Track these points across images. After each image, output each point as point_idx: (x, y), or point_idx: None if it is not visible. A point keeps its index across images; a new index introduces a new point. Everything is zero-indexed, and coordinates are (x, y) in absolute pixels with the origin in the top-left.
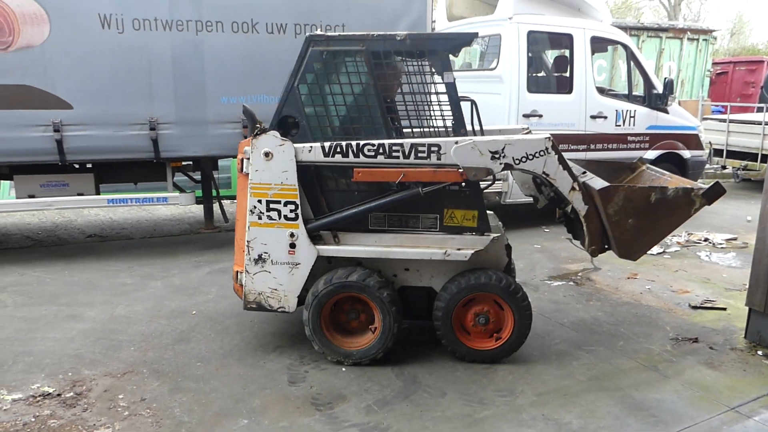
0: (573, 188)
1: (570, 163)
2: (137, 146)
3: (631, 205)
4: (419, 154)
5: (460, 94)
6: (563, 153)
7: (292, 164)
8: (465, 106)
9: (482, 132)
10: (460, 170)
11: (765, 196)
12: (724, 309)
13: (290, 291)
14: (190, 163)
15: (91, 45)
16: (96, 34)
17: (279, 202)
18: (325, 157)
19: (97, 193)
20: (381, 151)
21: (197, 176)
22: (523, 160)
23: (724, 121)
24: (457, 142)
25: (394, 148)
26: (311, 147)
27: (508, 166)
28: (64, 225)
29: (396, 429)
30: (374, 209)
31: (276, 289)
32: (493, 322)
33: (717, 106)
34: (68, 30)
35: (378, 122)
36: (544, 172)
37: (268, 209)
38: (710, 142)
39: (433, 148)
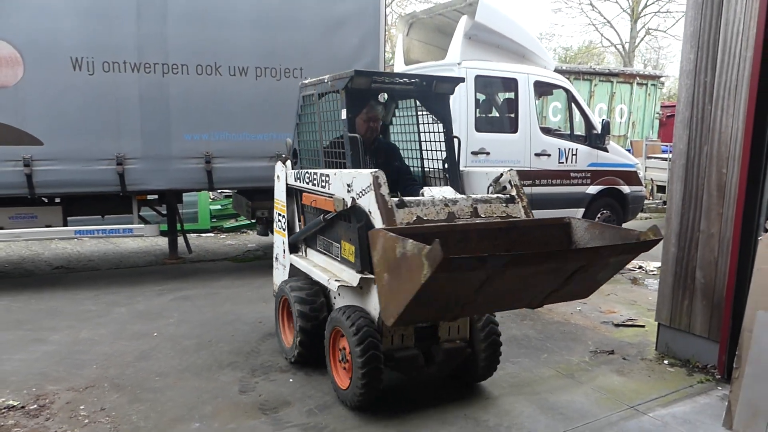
0: None
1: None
2: (104, 180)
3: (385, 255)
4: (322, 183)
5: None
6: None
7: (284, 185)
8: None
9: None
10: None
11: (667, 224)
12: (643, 326)
13: None
14: (156, 197)
15: (62, 86)
16: (68, 75)
17: (280, 215)
18: (294, 181)
19: (65, 225)
20: (312, 178)
21: (164, 210)
22: (361, 194)
23: (665, 159)
24: (335, 174)
25: (314, 176)
26: (291, 173)
27: (353, 200)
28: (30, 258)
29: (332, 428)
30: (305, 231)
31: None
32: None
33: (666, 146)
34: (41, 72)
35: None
36: (369, 210)
37: (278, 220)
38: (652, 179)
39: (323, 178)
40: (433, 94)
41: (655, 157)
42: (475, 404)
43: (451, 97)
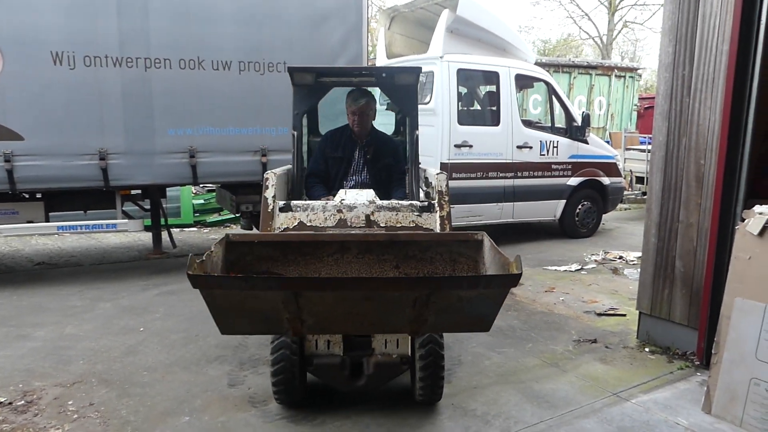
0: None
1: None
2: (87, 175)
3: None
4: None
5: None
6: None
7: None
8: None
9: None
10: None
11: (647, 214)
12: (624, 315)
13: None
14: (140, 192)
15: (43, 80)
16: (48, 69)
17: None
18: None
19: (47, 220)
20: None
21: (147, 205)
22: None
23: (644, 151)
24: None
25: None
26: None
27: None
28: (11, 254)
29: (321, 420)
30: None
31: None
32: None
33: (644, 137)
34: (21, 66)
35: None
36: None
37: None
38: (631, 170)
39: None
40: (396, 86)
41: (634, 149)
42: (463, 393)
43: (435, 90)
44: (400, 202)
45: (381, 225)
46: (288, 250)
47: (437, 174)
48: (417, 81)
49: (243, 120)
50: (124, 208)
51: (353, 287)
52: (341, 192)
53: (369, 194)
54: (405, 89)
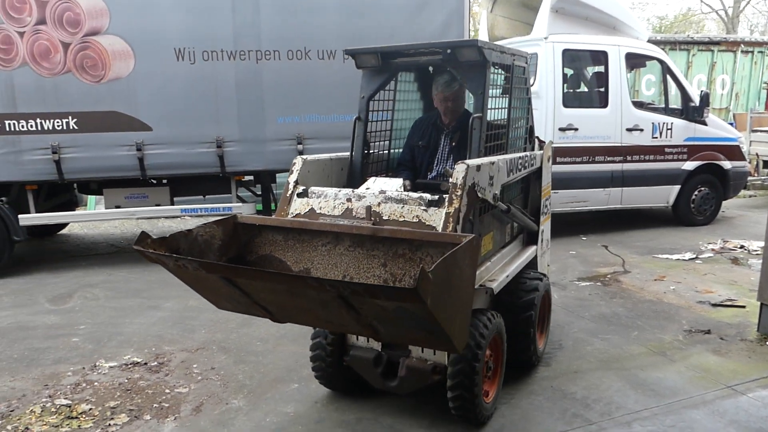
0: None
1: None
2: (206, 162)
3: None
4: None
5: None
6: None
7: None
8: None
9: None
10: None
11: None
12: (743, 307)
13: None
14: (252, 178)
15: (167, 75)
16: (172, 65)
17: None
18: None
19: (172, 204)
20: None
21: (259, 191)
22: None
23: None
24: None
25: None
26: None
27: None
28: None
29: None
30: None
31: None
32: None
33: None
34: (149, 63)
35: None
36: None
37: None
38: (757, 154)
39: None
40: (460, 63)
41: (761, 130)
42: (562, 377)
43: (539, 72)
44: (410, 194)
45: (384, 218)
46: (289, 236)
47: (459, 164)
48: (480, 56)
49: (347, 107)
50: (238, 193)
51: (257, 278)
52: (370, 180)
53: (395, 183)
54: (470, 66)
